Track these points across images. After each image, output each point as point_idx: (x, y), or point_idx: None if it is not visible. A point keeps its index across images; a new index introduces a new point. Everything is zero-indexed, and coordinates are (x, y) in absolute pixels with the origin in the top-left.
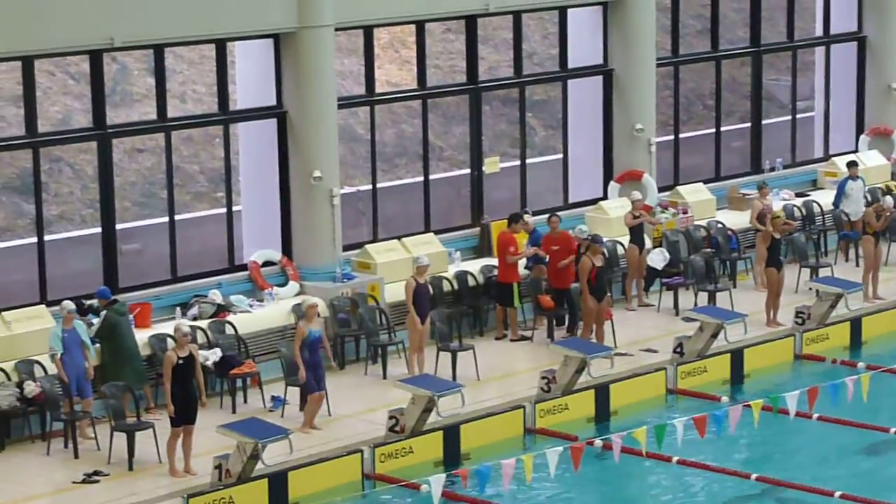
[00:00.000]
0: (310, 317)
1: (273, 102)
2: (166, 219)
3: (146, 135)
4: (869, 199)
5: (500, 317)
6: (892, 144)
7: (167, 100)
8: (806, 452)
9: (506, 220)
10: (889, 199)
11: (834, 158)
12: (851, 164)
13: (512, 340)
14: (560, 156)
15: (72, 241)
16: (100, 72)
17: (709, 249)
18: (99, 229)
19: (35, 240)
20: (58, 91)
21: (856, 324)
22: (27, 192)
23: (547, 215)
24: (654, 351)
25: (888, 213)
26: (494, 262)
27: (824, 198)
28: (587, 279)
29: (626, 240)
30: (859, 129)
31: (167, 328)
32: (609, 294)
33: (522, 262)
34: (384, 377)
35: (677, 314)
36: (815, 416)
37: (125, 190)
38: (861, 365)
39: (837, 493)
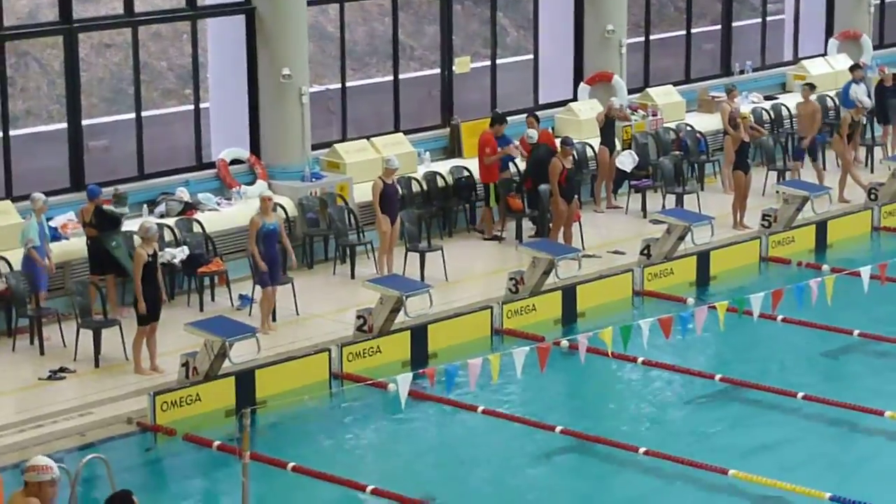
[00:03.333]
0: (264, 209)
1: None
2: (134, 115)
3: (113, 30)
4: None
5: (487, 216)
6: (861, 48)
7: None
8: (770, 354)
9: (480, 120)
10: (866, 99)
11: (803, 61)
12: (854, 67)
13: (485, 239)
14: (531, 57)
15: (39, 136)
16: None
17: (678, 152)
18: (66, 125)
19: (0, 135)
20: None
21: (821, 227)
22: None
23: (524, 115)
24: (622, 253)
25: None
26: (464, 162)
27: (793, 101)
28: (557, 181)
29: (596, 142)
30: (828, 33)
31: (134, 226)
32: (578, 196)
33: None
34: (353, 277)
35: (645, 216)
36: (780, 318)
37: (93, 86)
38: (826, 268)
39: (800, 395)
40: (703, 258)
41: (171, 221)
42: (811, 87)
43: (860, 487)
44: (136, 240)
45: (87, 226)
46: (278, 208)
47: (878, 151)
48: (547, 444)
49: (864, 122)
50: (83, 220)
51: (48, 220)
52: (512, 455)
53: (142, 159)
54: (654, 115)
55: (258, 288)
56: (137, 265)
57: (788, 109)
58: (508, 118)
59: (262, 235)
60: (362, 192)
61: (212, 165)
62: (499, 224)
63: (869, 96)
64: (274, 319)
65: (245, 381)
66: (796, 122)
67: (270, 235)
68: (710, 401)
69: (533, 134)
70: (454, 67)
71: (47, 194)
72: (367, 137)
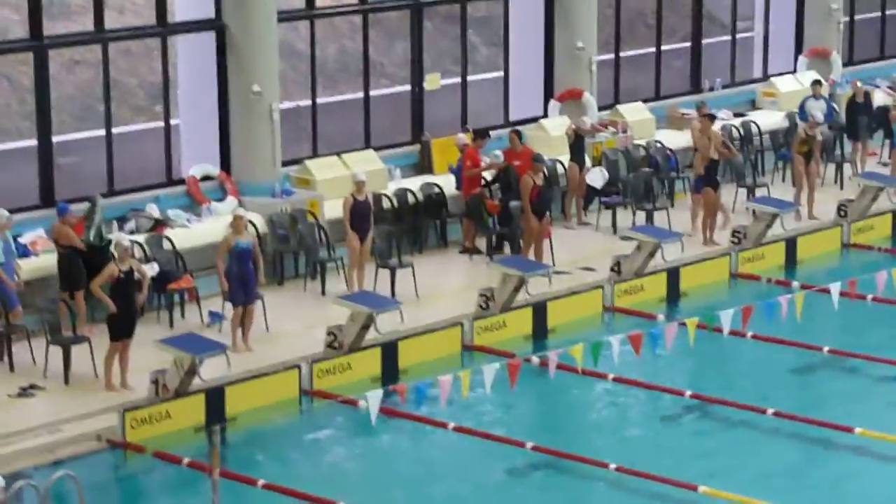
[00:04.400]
0: (237, 228)
1: (212, 15)
2: (104, 132)
3: (83, 46)
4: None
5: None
6: (831, 65)
7: (105, 11)
8: (739, 370)
9: (451, 137)
10: (819, 114)
11: (773, 79)
12: (815, 83)
13: (465, 250)
14: (501, 73)
15: (8, 153)
16: None
17: (647, 169)
18: (35, 142)
19: None
20: None
21: (791, 244)
22: None
23: (508, 131)
24: (592, 269)
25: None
26: (435, 179)
27: (762, 118)
28: (528, 198)
29: (566, 158)
30: (798, 50)
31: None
32: (549, 212)
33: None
34: (323, 294)
35: (615, 233)
36: (749, 334)
37: (62, 103)
38: (795, 284)
39: (770, 411)
40: (674, 275)
41: (140, 238)
42: (711, 118)
43: None
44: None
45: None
46: (249, 226)
47: (846, 168)
48: (518, 460)
49: (822, 138)
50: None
51: (17, 237)
52: (483, 472)
53: (112, 176)
54: (624, 131)
55: (228, 305)
56: (103, 277)
57: (758, 126)
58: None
59: (234, 254)
60: (333, 209)
61: (182, 182)
62: (469, 238)
63: (835, 113)
64: (243, 335)
65: (215, 397)
66: (694, 155)
67: (243, 254)
68: (680, 417)
69: (499, 153)
70: (425, 84)
71: (17, 211)
72: (338, 154)
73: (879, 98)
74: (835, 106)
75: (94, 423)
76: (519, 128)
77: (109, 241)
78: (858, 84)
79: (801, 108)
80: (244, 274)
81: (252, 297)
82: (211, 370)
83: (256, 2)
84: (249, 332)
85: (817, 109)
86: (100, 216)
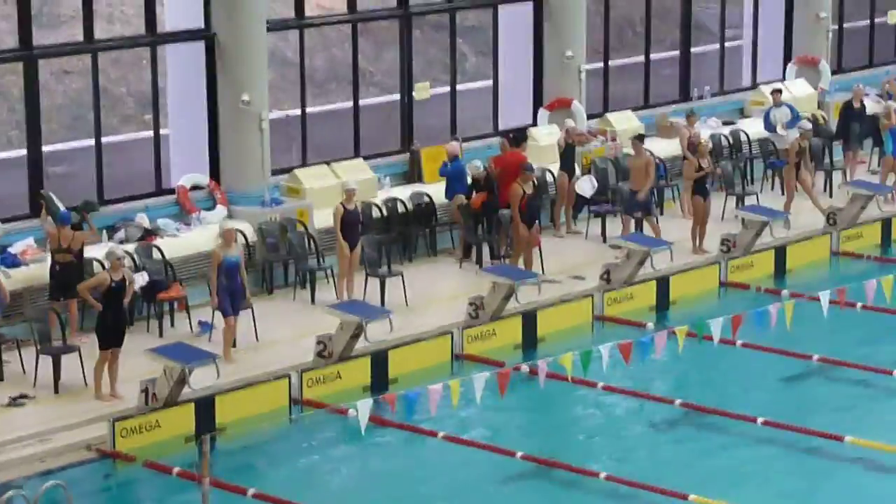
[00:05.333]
0: (227, 241)
1: (201, 25)
2: (93, 141)
3: (73, 56)
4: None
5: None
6: (820, 73)
7: (94, 21)
8: (729, 379)
9: (440, 145)
10: (806, 122)
11: (762, 87)
12: (774, 92)
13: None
14: (490, 82)
15: None
16: None
17: None
18: (25, 151)
19: None
20: None
21: (780, 252)
22: None
23: (498, 139)
24: (582, 278)
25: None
26: (424, 188)
27: (751, 126)
28: (518, 207)
29: (555, 167)
30: (787, 58)
31: (94, 252)
32: (538, 221)
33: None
34: (312, 303)
35: (605, 241)
36: (739, 342)
37: (52, 112)
38: (785, 293)
39: (760, 420)
40: (663, 283)
41: (130, 247)
42: (640, 138)
43: None
44: (96, 266)
45: (59, 252)
46: (238, 238)
47: (836, 176)
48: (508, 469)
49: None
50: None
51: (6, 246)
52: (473, 481)
53: (101, 185)
54: (614, 140)
55: (218, 315)
56: (92, 283)
57: (747, 135)
58: (468, 143)
59: (224, 268)
60: (322, 218)
61: (171, 191)
62: (459, 250)
63: (819, 119)
64: (234, 345)
65: (205, 407)
66: (630, 178)
67: (232, 268)
68: (669, 426)
69: (478, 163)
70: (414, 93)
71: (7, 221)
72: (328, 163)
73: (869, 106)
74: (824, 114)
75: (83, 433)
76: (493, 139)
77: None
78: (860, 87)
79: (766, 117)
80: (233, 287)
81: (238, 308)
82: (200, 379)
83: (246, 11)
84: (230, 343)
85: (784, 116)
86: (55, 207)
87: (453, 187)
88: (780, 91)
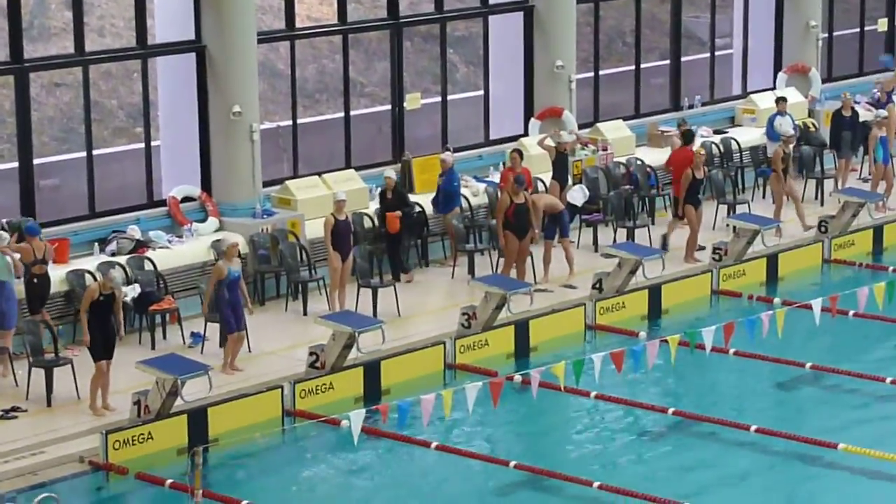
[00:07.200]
0: (230, 256)
1: (192, 37)
2: (84, 154)
3: (64, 69)
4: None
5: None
6: (810, 82)
7: (85, 34)
8: (722, 387)
9: (431, 156)
10: (788, 128)
11: (752, 95)
12: (780, 100)
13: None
14: (481, 92)
15: None
16: (17, 5)
17: (628, 186)
18: (16, 164)
19: None
20: None
21: (772, 260)
22: None
23: (509, 150)
24: (574, 287)
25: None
26: (416, 198)
27: (742, 135)
28: (505, 216)
29: (547, 177)
30: (777, 67)
31: (85, 264)
32: (534, 230)
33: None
34: (305, 313)
35: (596, 250)
36: (731, 351)
37: (43, 125)
38: (777, 301)
39: (753, 427)
40: (655, 292)
41: (122, 259)
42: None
43: None
44: (88, 278)
45: (35, 264)
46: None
47: (827, 184)
48: (501, 479)
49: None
50: (33, 258)
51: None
52: (466, 491)
53: (93, 197)
54: (605, 149)
55: (210, 326)
56: (87, 299)
57: (738, 143)
58: (459, 153)
59: (226, 282)
60: (314, 229)
61: (163, 203)
62: (450, 260)
63: (814, 128)
64: (231, 360)
65: (197, 419)
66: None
67: (234, 282)
68: (662, 435)
69: (391, 173)
70: (405, 104)
71: None
72: (319, 174)
73: (861, 114)
74: (814, 122)
75: (76, 445)
76: (496, 147)
77: None
78: (848, 96)
79: (770, 125)
80: (235, 301)
81: (241, 324)
82: (193, 391)
83: (236, 23)
84: (236, 357)
85: (788, 125)
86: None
87: (448, 201)
88: (785, 99)
